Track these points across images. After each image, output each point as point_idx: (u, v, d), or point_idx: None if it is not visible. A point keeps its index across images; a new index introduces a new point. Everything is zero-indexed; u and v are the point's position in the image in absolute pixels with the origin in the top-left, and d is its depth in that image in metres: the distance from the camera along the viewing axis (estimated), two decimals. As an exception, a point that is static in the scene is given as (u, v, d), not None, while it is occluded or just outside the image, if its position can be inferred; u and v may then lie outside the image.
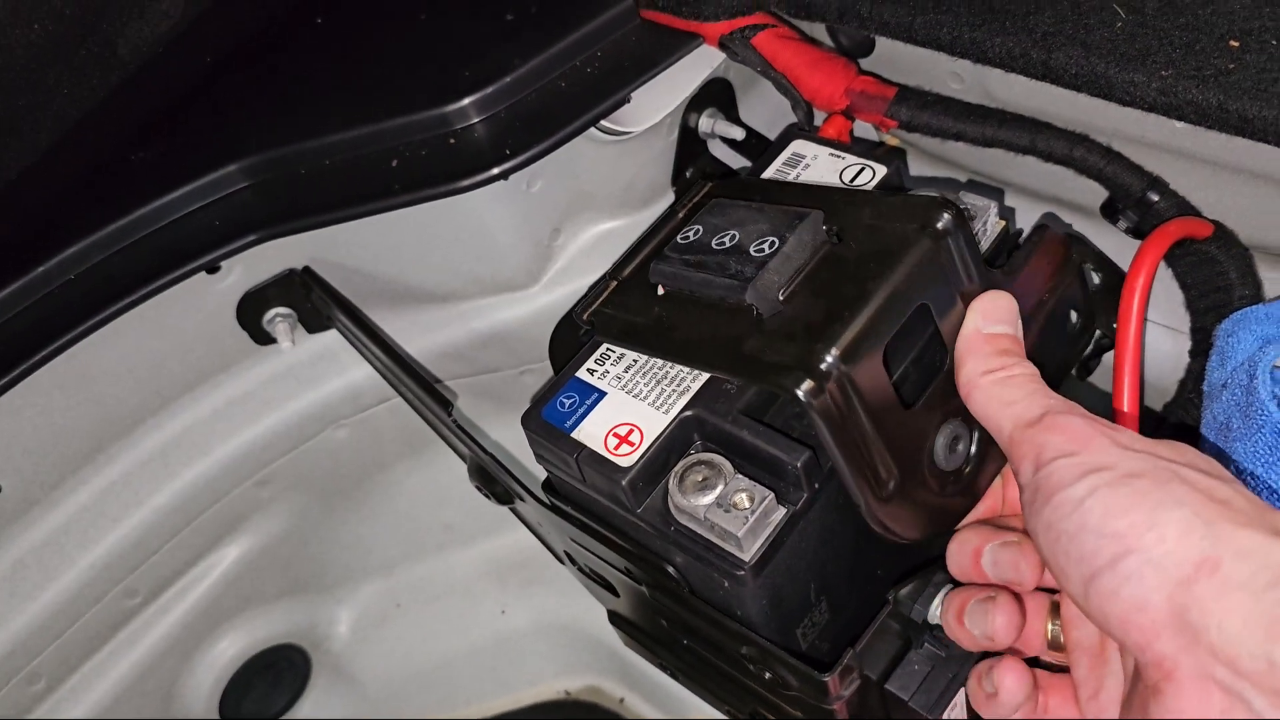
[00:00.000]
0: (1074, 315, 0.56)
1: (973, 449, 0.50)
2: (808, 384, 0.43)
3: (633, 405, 0.51)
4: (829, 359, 0.43)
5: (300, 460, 0.71)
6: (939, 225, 0.46)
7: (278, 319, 0.66)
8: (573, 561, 0.62)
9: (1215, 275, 0.61)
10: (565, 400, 0.52)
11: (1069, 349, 0.56)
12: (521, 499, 0.59)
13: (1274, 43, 0.50)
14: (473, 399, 0.72)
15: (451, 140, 0.61)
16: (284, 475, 0.71)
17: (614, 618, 0.66)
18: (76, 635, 0.68)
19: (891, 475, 0.46)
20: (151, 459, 0.68)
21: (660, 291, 0.53)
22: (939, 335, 0.47)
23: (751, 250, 0.49)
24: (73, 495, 0.67)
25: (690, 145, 0.68)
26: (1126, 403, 0.55)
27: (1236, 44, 0.51)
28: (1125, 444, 0.41)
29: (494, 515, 0.72)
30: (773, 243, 0.49)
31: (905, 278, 0.45)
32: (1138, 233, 0.64)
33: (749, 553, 0.47)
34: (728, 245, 0.50)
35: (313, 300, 0.66)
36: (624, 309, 0.54)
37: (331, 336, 0.69)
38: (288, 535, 0.74)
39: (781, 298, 0.48)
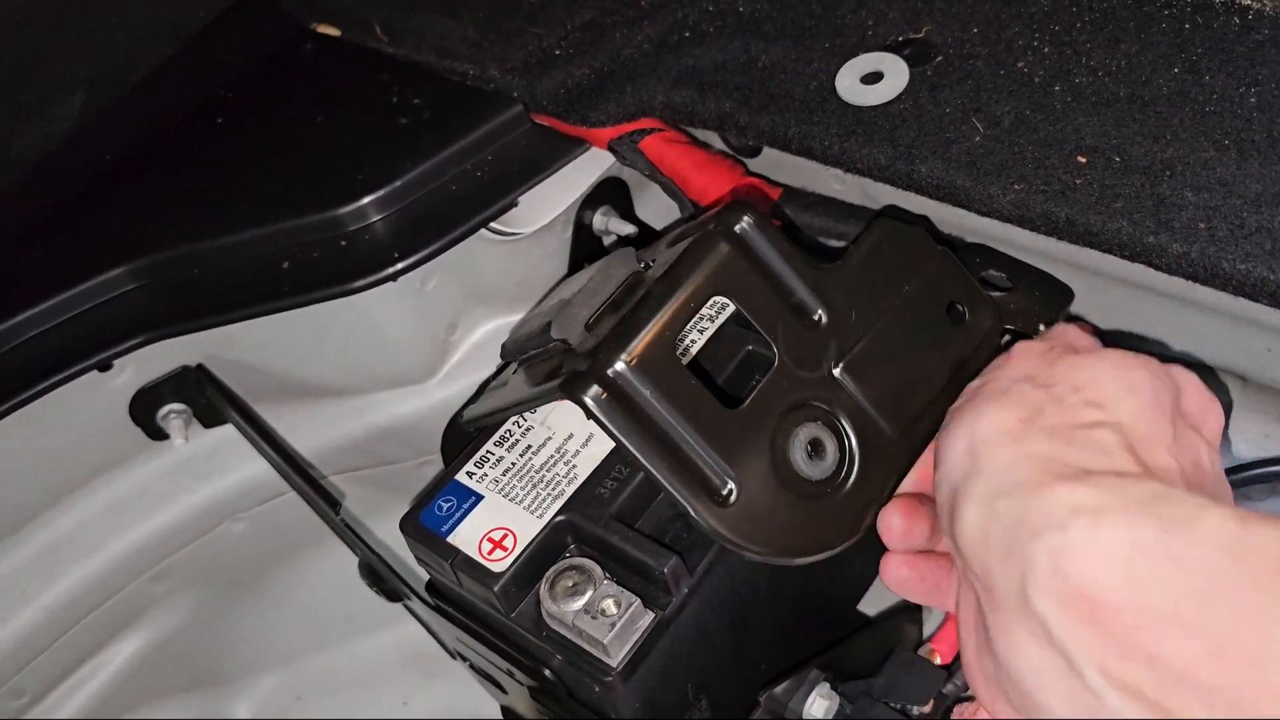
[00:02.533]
0: (958, 308, 0.52)
1: (844, 456, 0.47)
2: (593, 389, 0.43)
3: (508, 509, 0.52)
4: (613, 361, 0.43)
5: (197, 554, 0.71)
6: (733, 226, 0.46)
7: (171, 415, 0.67)
8: (464, 658, 0.62)
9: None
10: (443, 504, 0.53)
11: (959, 344, 0.51)
12: (408, 598, 0.59)
13: (1118, 159, 0.53)
14: (372, 491, 0.73)
15: (343, 242, 0.62)
16: (180, 569, 0.71)
17: (507, 714, 0.67)
18: (-41, 740, 0.67)
19: (726, 479, 0.45)
20: (40, 556, 0.68)
21: (512, 369, 0.56)
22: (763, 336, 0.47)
23: (572, 299, 0.53)
24: (-43, 594, 0.66)
25: (585, 241, 0.69)
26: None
27: (1084, 160, 0.53)
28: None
29: (394, 608, 0.72)
30: (584, 286, 0.52)
31: (692, 278, 0.45)
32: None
33: (616, 658, 0.47)
34: (555, 302, 0.53)
35: (207, 396, 0.66)
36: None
37: (228, 430, 0.69)
38: (184, 629, 0.74)
39: (586, 327, 0.50)
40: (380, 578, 0.61)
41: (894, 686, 0.55)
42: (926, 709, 0.57)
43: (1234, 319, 0.56)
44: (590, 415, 0.43)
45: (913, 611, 0.63)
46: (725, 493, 0.44)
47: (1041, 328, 0.53)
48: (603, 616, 0.47)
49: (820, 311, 0.48)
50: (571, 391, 0.44)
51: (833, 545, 0.47)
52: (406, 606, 0.65)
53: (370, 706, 0.77)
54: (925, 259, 0.51)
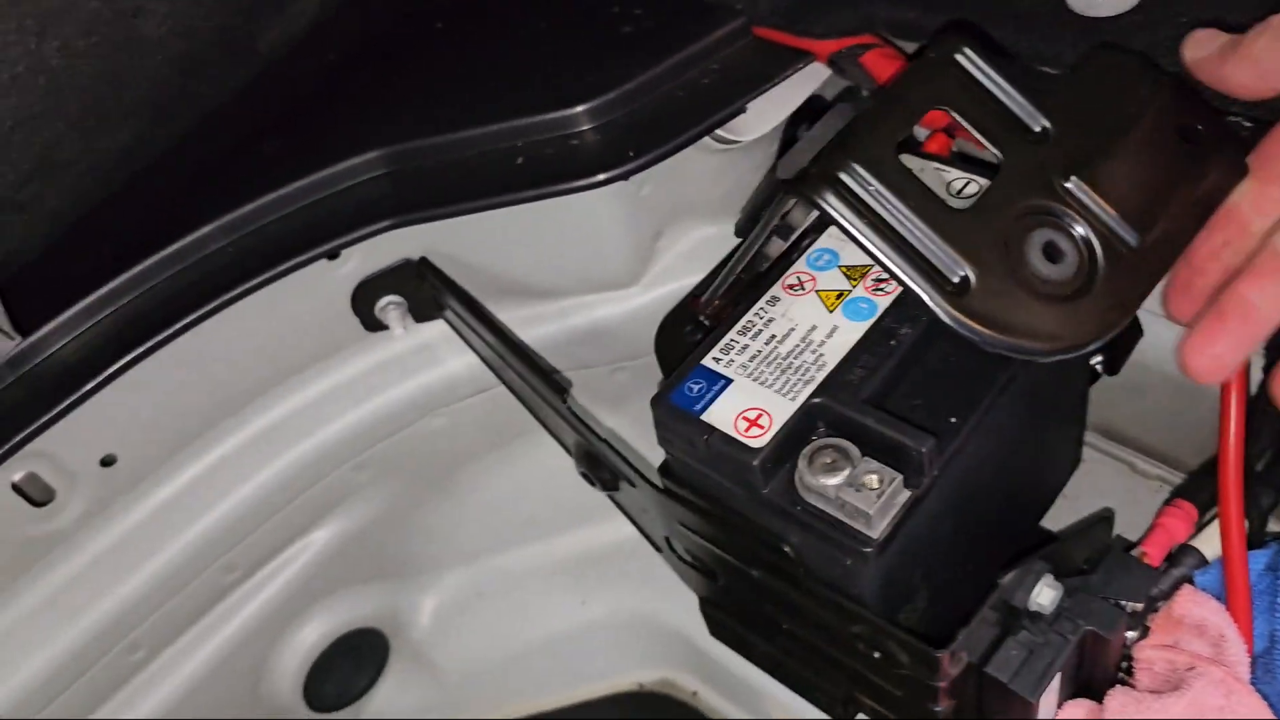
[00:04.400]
0: (1197, 129, 0.51)
1: (1085, 261, 0.48)
2: (821, 184, 0.45)
3: (760, 392, 0.54)
4: (838, 157, 0.46)
5: (397, 446, 0.74)
6: (950, 47, 0.49)
7: (390, 306, 0.69)
8: (671, 548, 0.65)
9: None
10: (693, 386, 0.55)
11: (1199, 166, 0.50)
12: (631, 484, 0.61)
13: None
14: (599, 400, 0.75)
15: (575, 141, 0.64)
16: (381, 460, 0.74)
17: (706, 605, 0.69)
18: (177, 607, 0.71)
19: (961, 269, 0.46)
20: (258, 438, 0.71)
21: None
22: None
23: (794, 149, 0.57)
24: (182, 470, 0.69)
25: (789, 157, 0.71)
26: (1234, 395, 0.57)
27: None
28: None
29: (575, 511, 0.75)
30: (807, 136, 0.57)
31: (904, 82, 0.48)
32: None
33: (878, 530, 0.49)
34: None
35: (425, 289, 0.68)
36: None
37: (436, 327, 0.72)
38: (378, 520, 0.77)
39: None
40: (599, 464, 0.63)
41: (1110, 583, 0.57)
42: (1139, 606, 0.58)
43: None
44: (818, 207, 0.45)
45: (1106, 522, 0.65)
46: (959, 281, 0.45)
47: None
48: (867, 489, 0.49)
49: (1045, 124, 0.49)
50: (799, 187, 0.45)
51: (1081, 342, 0.46)
52: (612, 498, 0.68)
53: (548, 605, 0.80)
54: (1152, 83, 0.52)
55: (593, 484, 0.65)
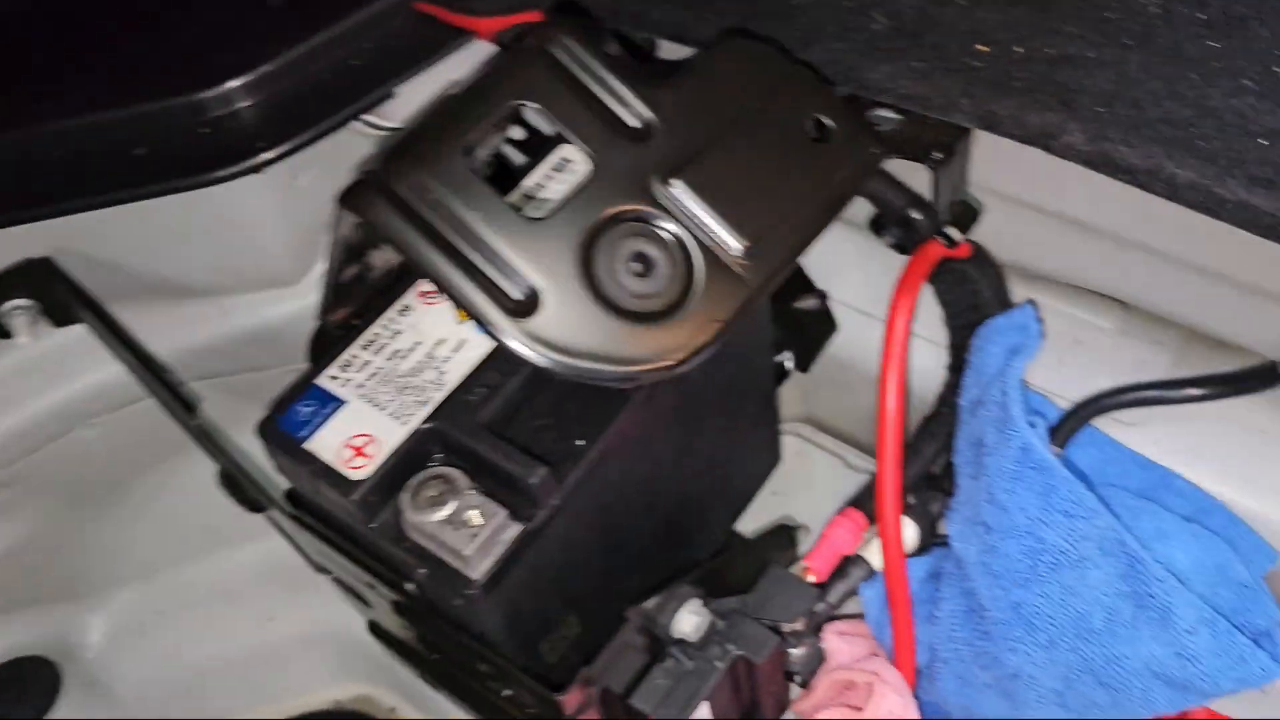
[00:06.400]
0: (823, 123, 0.49)
1: (680, 272, 0.44)
2: (370, 195, 0.41)
3: (372, 415, 0.49)
4: (391, 166, 0.42)
5: (45, 461, 0.67)
6: (546, 36, 0.45)
7: (16, 311, 0.62)
8: (327, 571, 0.60)
9: (970, 294, 0.62)
10: (303, 409, 0.50)
11: (825, 161, 0.48)
12: (266, 507, 0.56)
13: (1019, 50, 0.51)
14: (235, 399, 0.69)
15: (205, 129, 0.57)
16: (27, 477, 0.67)
17: (373, 628, 0.65)
18: None
19: (527, 287, 0.42)
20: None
21: None
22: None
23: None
24: None
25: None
26: (891, 407, 0.55)
27: (986, 49, 0.51)
28: None
29: (259, 521, 0.69)
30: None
31: (486, 76, 0.44)
32: (901, 249, 0.66)
33: (478, 571, 0.45)
34: None
35: (57, 293, 0.61)
36: None
37: (81, 330, 0.65)
38: (34, 540, 0.69)
39: None
40: (240, 487, 0.58)
41: (767, 603, 0.55)
42: (799, 626, 0.56)
43: (1121, 243, 0.56)
44: (367, 222, 0.41)
45: (787, 531, 0.62)
46: (524, 299, 0.41)
47: (937, 155, 0.52)
48: (465, 528, 0.45)
49: (651, 121, 0.45)
50: (350, 201, 0.41)
51: (667, 365, 0.43)
52: (268, 518, 0.62)
53: (233, 621, 0.74)
54: (781, 74, 0.49)
55: (239, 504, 0.60)
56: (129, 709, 0.74)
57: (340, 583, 0.59)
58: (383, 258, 0.51)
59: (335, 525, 0.51)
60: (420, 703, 0.71)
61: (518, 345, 0.41)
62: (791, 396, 0.75)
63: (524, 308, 0.42)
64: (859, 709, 0.54)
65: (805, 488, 0.73)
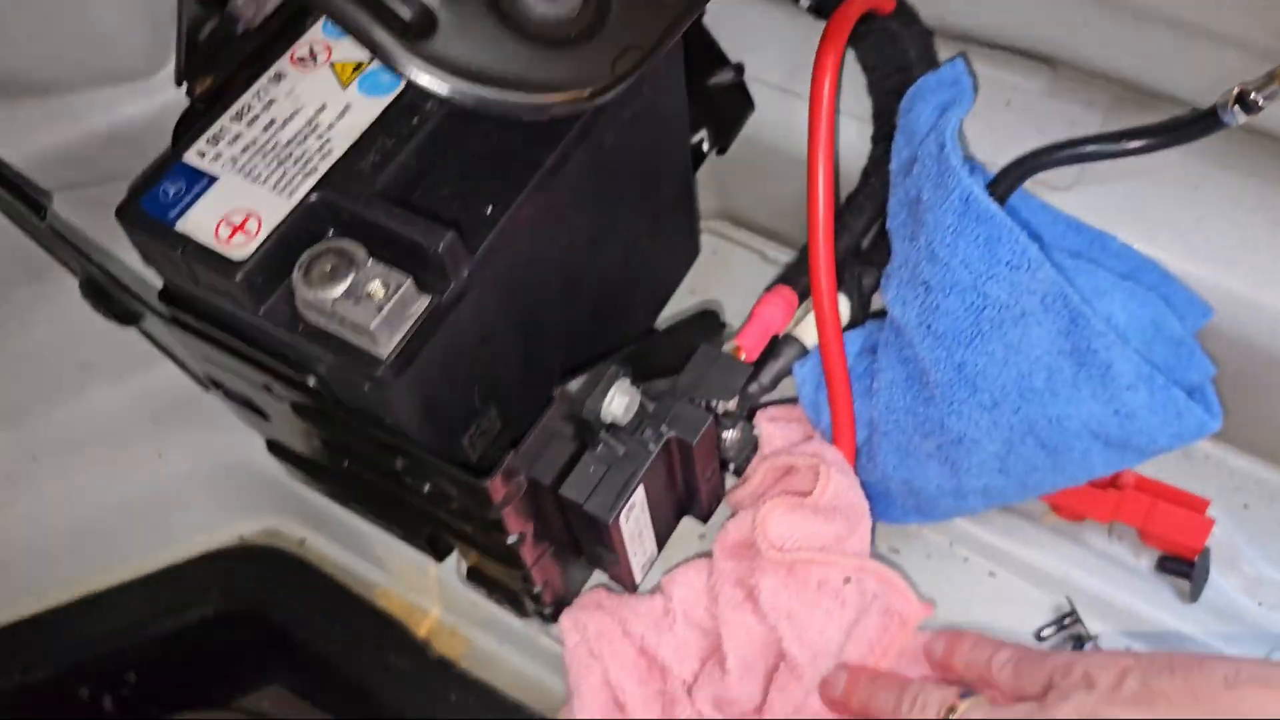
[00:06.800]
0: None
1: None
2: None
3: (251, 190, 0.43)
4: None
5: (-120, 292, 0.59)
6: None
7: None
8: (216, 385, 0.55)
9: (897, 54, 0.58)
10: (169, 188, 0.44)
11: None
12: (141, 315, 0.50)
13: None
14: (100, 212, 0.62)
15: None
16: None
17: (272, 447, 0.60)
18: None
19: (412, 2, 0.37)
20: None
21: None
22: None
23: None
24: None
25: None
26: (822, 200, 0.52)
27: None
28: None
29: (141, 348, 0.63)
30: None
31: None
32: (819, 11, 0.61)
33: (386, 347, 0.41)
34: None
35: None
36: None
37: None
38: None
39: None
40: (107, 295, 0.51)
41: (699, 383, 0.52)
42: (731, 405, 0.53)
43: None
44: None
45: (712, 315, 0.59)
46: (416, 17, 0.37)
47: None
48: (368, 300, 0.40)
49: None
50: None
51: (586, 93, 0.39)
52: (143, 332, 0.56)
53: (120, 462, 0.68)
54: None
55: (107, 318, 0.54)
56: (11, 566, 0.69)
57: (232, 396, 0.54)
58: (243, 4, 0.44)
59: (219, 321, 0.46)
60: (330, 530, 0.67)
61: (414, 70, 0.36)
62: (707, 191, 0.71)
63: (418, 29, 0.36)
64: (805, 493, 0.52)
65: (724, 284, 0.69)
